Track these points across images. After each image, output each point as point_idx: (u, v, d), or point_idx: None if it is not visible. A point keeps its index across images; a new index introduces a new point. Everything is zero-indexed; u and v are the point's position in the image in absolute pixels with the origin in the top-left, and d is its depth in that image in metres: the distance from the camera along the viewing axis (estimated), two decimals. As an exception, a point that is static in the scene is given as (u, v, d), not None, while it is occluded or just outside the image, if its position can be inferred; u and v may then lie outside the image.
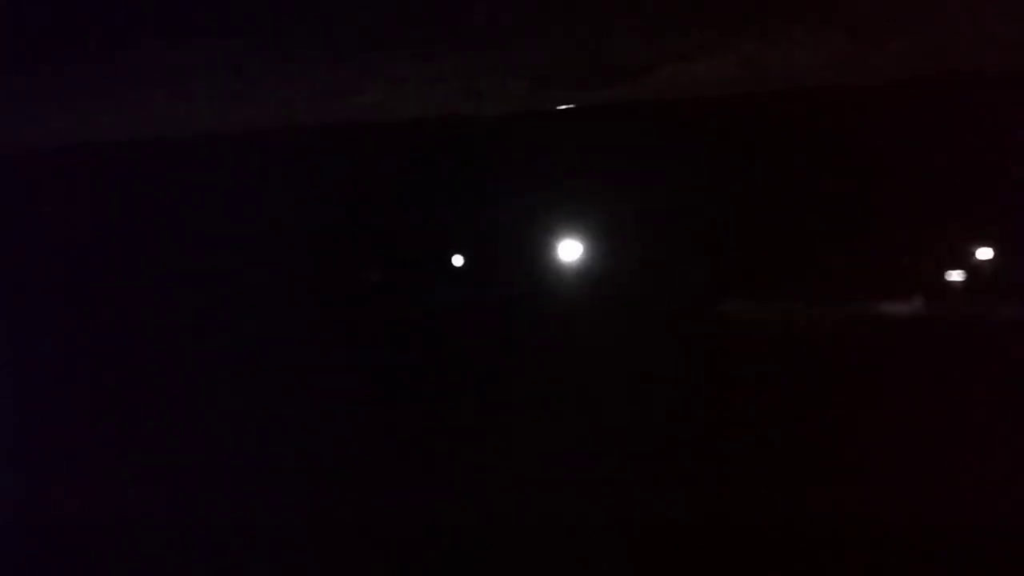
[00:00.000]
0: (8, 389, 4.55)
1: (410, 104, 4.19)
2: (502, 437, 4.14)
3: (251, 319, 4.36)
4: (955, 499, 3.74)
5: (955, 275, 4.05)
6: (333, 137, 4.30)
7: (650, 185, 4.17)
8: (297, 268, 4.36)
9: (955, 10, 3.39)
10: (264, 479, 4.24)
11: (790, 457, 3.87)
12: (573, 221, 4.21)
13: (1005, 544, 3.64)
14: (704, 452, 3.95)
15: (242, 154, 4.39)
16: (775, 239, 4.07)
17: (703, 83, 3.98)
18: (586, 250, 4.20)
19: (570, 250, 4.25)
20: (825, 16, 3.44)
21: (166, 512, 4.29)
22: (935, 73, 3.92)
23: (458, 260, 4.31)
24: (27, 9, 3.52)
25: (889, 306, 4.02)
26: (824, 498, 3.84)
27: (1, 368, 4.56)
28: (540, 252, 4.22)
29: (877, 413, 3.84)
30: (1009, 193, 3.92)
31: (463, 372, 4.17)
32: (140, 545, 4.19)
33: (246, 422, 4.28)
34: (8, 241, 4.59)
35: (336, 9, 3.53)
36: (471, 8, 3.48)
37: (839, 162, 4.01)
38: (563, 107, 4.07)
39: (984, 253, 4.02)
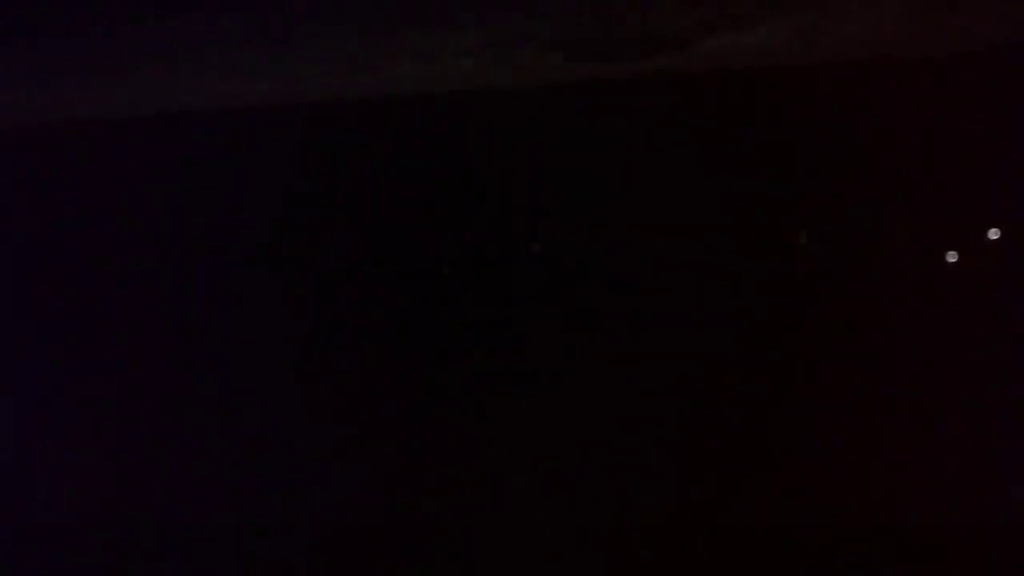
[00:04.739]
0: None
1: (441, 77, 3.96)
2: (505, 435, 3.94)
3: (263, 309, 4.20)
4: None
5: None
6: (361, 112, 4.10)
7: (692, 157, 3.95)
8: (319, 247, 4.18)
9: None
10: (263, 478, 4.10)
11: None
12: (612, 197, 4.00)
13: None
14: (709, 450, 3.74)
15: (264, 130, 4.21)
16: (824, 209, 3.87)
17: (751, 54, 3.75)
18: (623, 227, 3.99)
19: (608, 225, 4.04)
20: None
21: (164, 512, 4.08)
22: (999, 45, 3.67)
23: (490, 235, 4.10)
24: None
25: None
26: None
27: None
28: (579, 227, 4.01)
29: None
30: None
31: (476, 356, 4.00)
32: (139, 545, 3.91)
33: (245, 414, 4.13)
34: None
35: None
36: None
37: (896, 135, 3.80)
38: (601, 79, 3.82)
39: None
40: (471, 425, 3.82)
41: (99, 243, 3.96)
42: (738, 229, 3.62)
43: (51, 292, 4.05)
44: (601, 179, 3.64)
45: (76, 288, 4.04)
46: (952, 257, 3.53)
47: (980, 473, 3.49)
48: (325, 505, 3.98)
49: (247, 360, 3.93)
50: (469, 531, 3.74)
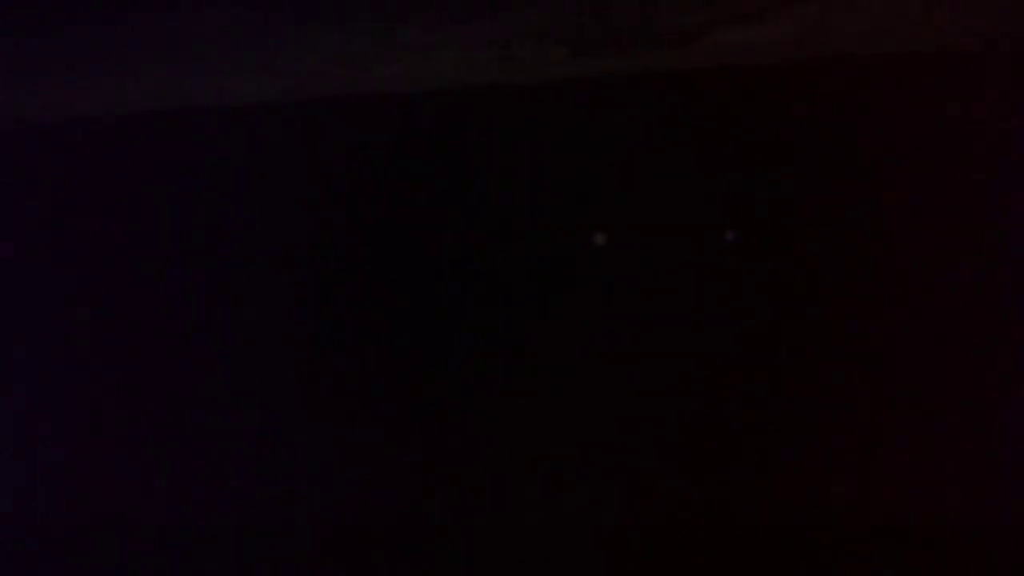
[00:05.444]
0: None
1: (439, 73, 3.94)
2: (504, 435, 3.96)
3: (262, 308, 4.20)
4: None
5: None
6: (356, 110, 4.10)
7: (697, 158, 3.96)
8: (313, 251, 4.17)
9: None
10: (263, 478, 4.11)
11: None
12: (614, 199, 4.00)
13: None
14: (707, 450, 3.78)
15: (256, 129, 4.20)
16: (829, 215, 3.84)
17: (757, 49, 3.73)
18: (625, 225, 3.99)
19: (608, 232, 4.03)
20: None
21: (163, 512, 4.15)
22: (1014, 39, 3.68)
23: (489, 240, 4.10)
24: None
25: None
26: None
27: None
28: (577, 233, 4.01)
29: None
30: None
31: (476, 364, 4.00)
32: (139, 545, 4.06)
33: (248, 418, 4.14)
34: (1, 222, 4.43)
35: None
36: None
37: (905, 131, 3.79)
38: (605, 75, 3.81)
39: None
40: (471, 425, 3.85)
41: (88, 240, 3.97)
42: (740, 227, 3.64)
43: (51, 291, 4.07)
44: (604, 177, 3.66)
45: (75, 287, 4.06)
46: None
47: (980, 473, 3.52)
48: (325, 505, 4.01)
49: (247, 360, 3.96)
50: (469, 531, 3.83)
